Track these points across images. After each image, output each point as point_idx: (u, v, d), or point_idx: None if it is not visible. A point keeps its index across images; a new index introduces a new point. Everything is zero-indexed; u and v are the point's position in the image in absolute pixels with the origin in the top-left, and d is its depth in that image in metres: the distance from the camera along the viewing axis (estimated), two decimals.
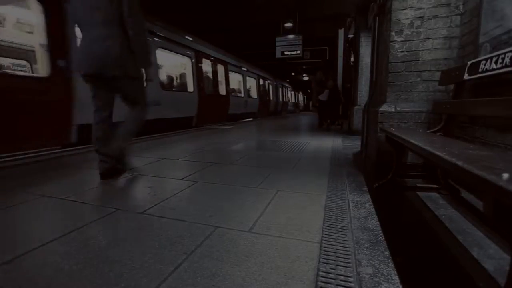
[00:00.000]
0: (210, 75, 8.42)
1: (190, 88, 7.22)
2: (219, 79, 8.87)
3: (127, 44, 2.07)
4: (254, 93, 13.14)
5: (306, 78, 29.07)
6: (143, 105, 2.35)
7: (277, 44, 11.35)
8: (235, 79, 11.22)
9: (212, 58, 8.49)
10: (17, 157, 2.96)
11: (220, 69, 9.08)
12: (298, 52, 11.21)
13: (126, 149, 2.33)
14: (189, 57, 7.16)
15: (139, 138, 4.72)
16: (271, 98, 15.98)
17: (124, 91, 2.22)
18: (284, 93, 20.04)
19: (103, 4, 1.99)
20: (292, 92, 25.27)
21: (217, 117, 8.73)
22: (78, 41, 2.93)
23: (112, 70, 2.03)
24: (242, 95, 11.31)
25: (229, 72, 9.79)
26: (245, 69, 11.66)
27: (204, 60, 7.85)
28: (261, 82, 14.05)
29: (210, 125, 7.63)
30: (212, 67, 8.46)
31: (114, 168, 2.25)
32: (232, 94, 10.18)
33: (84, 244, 1.22)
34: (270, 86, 15.86)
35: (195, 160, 3.08)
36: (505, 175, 0.72)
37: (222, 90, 9.17)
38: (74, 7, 2.10)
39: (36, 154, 3.17)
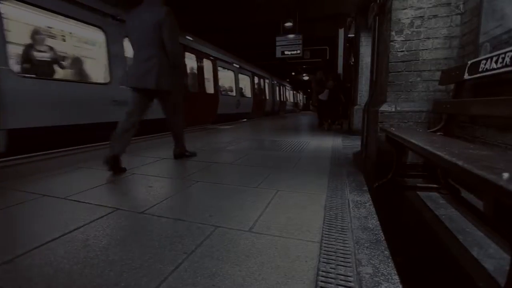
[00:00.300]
0: (195, 71, 7.52)
1: None
2: (206, 76, 8.02)
3: (166, 62, 2.55)
4: (248, 92, 12.30)
5: (306, 78, 29.07)
6: (179, 114, 2.90)
7: (277, 43, 11.33)
8: (226, 77, 10.36)
9: (197, 52, 7.54)
10: (17, 157, 2.96)
11: (207, 65, 8.20)
12: (298, 51, 11.19)
13: (183, 147, 3.12)
14: None
15: (137, 139, 4.72)
16: (267, 97, 15.15)
17: (164, 101, 2.76)
18: (282, 92, 19.15)
19: (148, 31, 2.45)
20: (291, 91, 24.46)
21: (203, 118, 7.82)
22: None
23: (152, 85, 2.48)
24: (234, 94, 10.45)
25: (218, 69, 8.87)
26: (238, 66, 10.81)
27: (186, 54, 6.91)
28: (256, 80, 13.13)
29: (193, 127, 6.76)
30: (197, 62, 7.54)
31: (115, 161, 2.43)
32: (222, 92, 9.37)
33: (84, 243, 1.22)
34: (266, 85, 15.01)
35: (195, 159, 3.08)
36: (505, 175, 0.72)
37: (210, 88, 8.31)
38: (128, 33, 2.60)
39: (35, 154, 3.17)
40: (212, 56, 8.48)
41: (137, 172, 2.48)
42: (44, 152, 3.25)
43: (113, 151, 2.38)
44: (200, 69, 7.75)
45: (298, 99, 30.02)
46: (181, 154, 3.09)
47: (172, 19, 2.47)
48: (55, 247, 1.19)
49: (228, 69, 10.14)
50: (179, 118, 2.91)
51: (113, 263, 1.07)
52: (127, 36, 2.72)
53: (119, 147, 2.42)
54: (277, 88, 17.65)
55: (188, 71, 7.10)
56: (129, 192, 2.02)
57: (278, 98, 17.72)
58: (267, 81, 15.16)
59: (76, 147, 3.69)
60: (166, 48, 2.49)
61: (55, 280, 0.97)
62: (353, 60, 6.89)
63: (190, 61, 7.32)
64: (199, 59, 7.69)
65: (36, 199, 1.77)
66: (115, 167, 2.41)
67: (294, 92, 26.69)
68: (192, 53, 7.28)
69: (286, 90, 21.51)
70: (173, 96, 2.74)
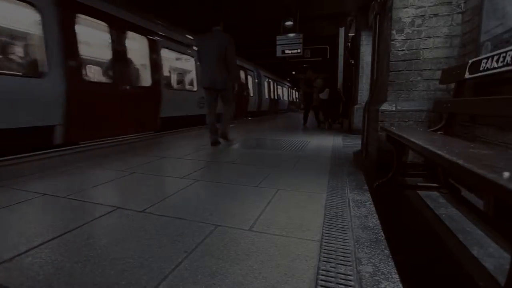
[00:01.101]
0: (108, 50, 4.60)
1: (42, 67, 3.55)
2: (135, 58, 5.21)
3: (226, 72, 3.78)
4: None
5: None
6: (232, 103, 4.08)
7: (277, 42, 11.30)
8: (179, 64, 7.37)
9: (114, 20, 4.62)
10: (17, 156, 2.96)
11: (138, 42, 5.32)
12: (299, 50, 11.16)
13: (227, 131, 4.07)
14: (33, 5, 3.45)
15: (137, 138, 4.72)
16: (251, 95, 12.20)
17: (223, 96, 3.93)
18: (272, 89, 16.32)
19: (216, 51, 3.66)
20: (285, 88, 21.34)
21: (128, 125, 4.97)
22: None
23: (219, 86, 3.78)
24: (194, 88, 7.18)
25: (162, 51, 5.83)
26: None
27: (83, 19, 4.12)
28: (246, 74, 10.27)
29: (107, 139, 4.36)
30: (112, 36, 4.60)
31: (217, 140, 3.91)
32: (173, 86, 6.57)
33: (85, 242, 1.22)
34: (250, 79, 12.02)
35: (195, 158, 3.08)
36: (506, 174, 0.72)
37: (142, 78, 5.37)
38: (200, 51, 3.90)
39: (36, 153, 3.17)
40: (148, 30, 5.41)
41: (137, 171, 2.48)
42: (44, 151, 3.25)
43: (214, 138, 3.88)
44: (120, 47, 4.80)
45: (294, 98, 26.55)
46: (225, 137, 4.07)
47: (233, 43, 3.71)
48: (56, 246, 1.19)
49: (181, 53, 6.78)
50: (230, 108, 4.07)
51: (114, 261, 1.07)
52: (198, 53, 3.95)
53: (215, 132, 3.92)
54: (266, 83, 14.89)
55: (87, 46, 4.42)
56: (129, 191, 2.02)
57: (267, 96, 14.96)
58: (251, 74, 12.16)
59: (76, 146, 3.69)
60: (228, 63, 3.72)
61: (56, 279, 0.97)
62: (353, 60, 6.88)
63: (98, 32, 4.58)
64: (118, 32, 4.75)
65: (36, 198, 1.77)
66: (219, 144, 3.92)
67: (290, 89, 23.66)
68: (96, 19, 4.38)
69: (279, 86, 18.71)
70: (229, 92, 3.93)
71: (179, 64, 7.49)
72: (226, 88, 3.82)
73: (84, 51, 4.23)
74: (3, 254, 1.12)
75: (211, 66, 3.70)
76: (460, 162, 0.90)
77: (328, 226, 1.38)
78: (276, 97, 17.36)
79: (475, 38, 2.11)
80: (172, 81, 6.87)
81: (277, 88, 17.78)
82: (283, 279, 0.97)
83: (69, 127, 3.88)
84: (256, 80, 13.00)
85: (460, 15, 2.35)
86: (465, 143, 1.50)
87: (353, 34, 7.47)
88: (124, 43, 4.90)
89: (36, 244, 1.20)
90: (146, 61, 5.48)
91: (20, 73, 3.49)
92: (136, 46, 5.36)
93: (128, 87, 4.99)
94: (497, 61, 1.61)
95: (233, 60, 3.77)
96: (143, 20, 5.37)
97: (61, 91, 3.72)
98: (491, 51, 1.85)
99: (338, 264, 1.07)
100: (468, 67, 1.92)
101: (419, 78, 2.51)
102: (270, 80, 15.78)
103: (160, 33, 5.83)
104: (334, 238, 1.26)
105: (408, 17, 2.47)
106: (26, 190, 1.91)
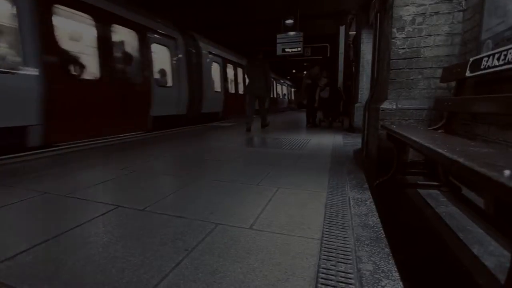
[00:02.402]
0: None
1: None
2: None
3: (265, 84, 5.81)
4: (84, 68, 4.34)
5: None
6: (267, 104, 6.20)
7: (278, 41, 11.27)
8: None
9: None
10: (17, 155, 2.97)
11: None
12: (299, 49, 11.13)
13: (266, 121, 6.21)
14: None
15: (137, 136, 4.72)
16: (168, 84, 6.44)
17: (262, 100, 5.96)
18: (232, 77, 10.45)
19: (259, 72, 5.73)
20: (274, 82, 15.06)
21: None
22: None
23: (261, 93, 5.82)
24: None
25: None
26: None
27: None
28: (130, 36, 5.21)
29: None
30: None
31: (250, 128, 5.68)
32: None
33: (86, 240, 1.22)
34: (160, 50, 6.18)
35: (196, 157, 3.08)
36: (507, 172, 0.72)
37: None
38: (248, 70, 5.95)
39: (36, 152, 3.18)
40: None
41: (138, 170, 2.48)
42: (44, 150, 3.25)
43: (248, 125, 5.67)
44: None
45: (281, 94, 19.32)
46: (264, 125, 6.18)
47: (269, 66, 5.88)
48: (57, 245, 1.19)
49: None
50: (267, 109, 6.22)
51: (115, 260, 1.07)
52: (247, 73, 5.96)
53: (250, 123, 5.72)
54: (218, 67, 9.00)
55: None
56: (130, 189, 2.02)
57: (220, 88, 9.03)
58: (163, 41, 6.26)
59: (77, 145, 3.70)
60: (266, 79, 5.78)
61: (57, 277, 0.97)
62: (352, 59, 6.86)
63: None
64: None
65: (37, 197, 1.78)
66: (250, 130, 5.60)
67: (276, 83, 16.90)
68: None
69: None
70: (267, 98, 6.09)
71: None
72: (264, 94, 5.91)
73: None
74: (4, 252, 1.12)
75: (255, 81, 5.75)
76: (461, 160, 0.90)
77: (328, 225, 1.39)
78: (238, 91, 10.79)
79: (476, 36, 2.10)
80: None
81: (239, 77, 10.90)
82: (283, 277, 0.97)
83: None
84: (183, 57, 6.89)
85: (461, 13, 2.34)
86: (465, 142, 1.50)
87: (354, 33, 7.44)
88: None
89: (37, 242, 1.20)
90: None
91: None
92: None
93: None
94: (498, 59, 1.60)
95: (269, 78, 5.93)
96: None
97: None
98: (492, 49, 1.84)
99: (338, 262, 1.07)
100: (469, 65, 1.91)
101: (419, 76, 2.50)
102: (227, 62, 9.66)
103: None
104: (334, 237, 1.27)
105: (409, 15, 2.46)
106: (27, 189, 1.92)
